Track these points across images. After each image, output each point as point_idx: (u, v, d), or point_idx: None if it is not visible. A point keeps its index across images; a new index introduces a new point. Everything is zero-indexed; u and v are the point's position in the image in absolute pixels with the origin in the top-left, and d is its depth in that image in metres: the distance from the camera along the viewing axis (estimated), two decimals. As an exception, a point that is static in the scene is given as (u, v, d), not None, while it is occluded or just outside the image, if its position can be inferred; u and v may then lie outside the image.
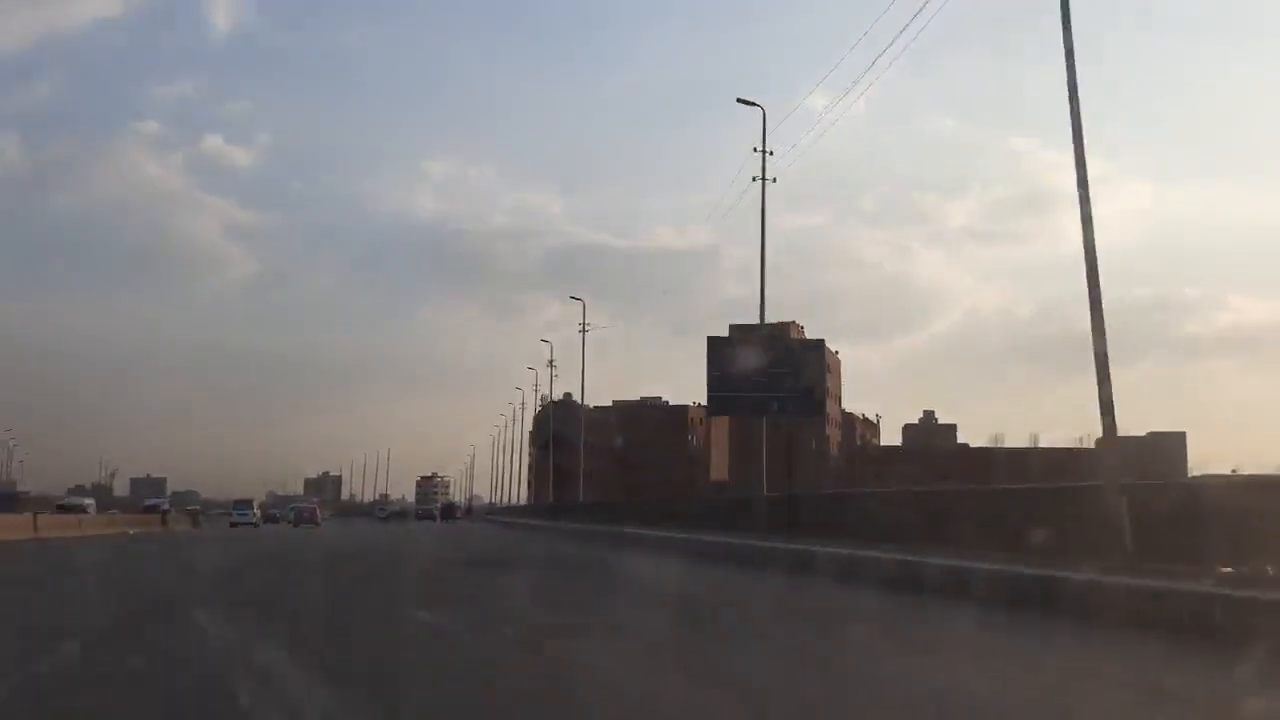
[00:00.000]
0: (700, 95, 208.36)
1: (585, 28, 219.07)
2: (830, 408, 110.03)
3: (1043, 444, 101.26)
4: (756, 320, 31.26)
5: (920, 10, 20.48)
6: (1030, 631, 9.60)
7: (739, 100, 31.77)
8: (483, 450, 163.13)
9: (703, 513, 31.02)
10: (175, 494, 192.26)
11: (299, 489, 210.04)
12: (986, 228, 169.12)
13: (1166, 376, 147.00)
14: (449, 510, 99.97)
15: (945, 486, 27.95)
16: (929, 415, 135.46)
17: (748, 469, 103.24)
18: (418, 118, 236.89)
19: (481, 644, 8.39)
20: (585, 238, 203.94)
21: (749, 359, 25.90)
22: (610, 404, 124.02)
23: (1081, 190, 14.42)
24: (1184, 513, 11.75)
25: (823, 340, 25.76)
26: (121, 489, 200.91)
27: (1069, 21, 14.75)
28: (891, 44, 30.06)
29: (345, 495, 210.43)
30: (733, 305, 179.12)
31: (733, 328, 27.36)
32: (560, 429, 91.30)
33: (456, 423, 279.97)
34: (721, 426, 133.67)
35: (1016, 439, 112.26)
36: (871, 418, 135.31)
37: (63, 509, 49.15)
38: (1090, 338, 14.59)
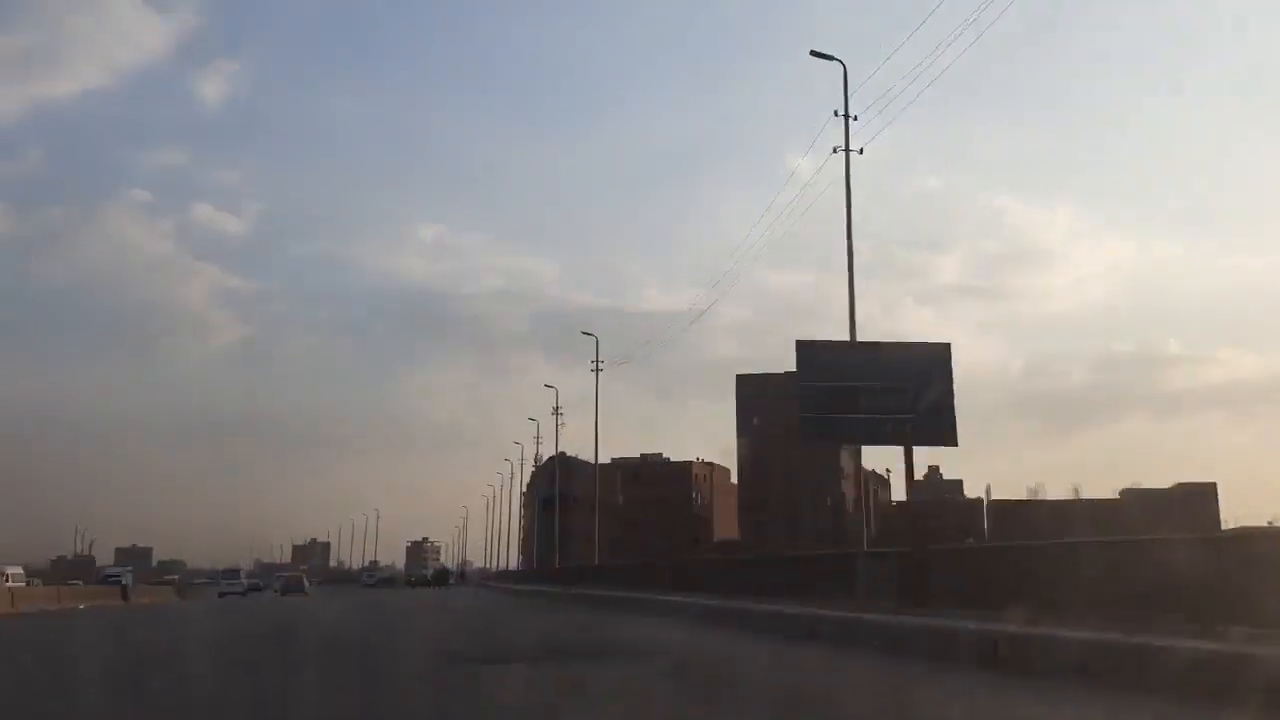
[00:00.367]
0: (689, 159, 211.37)
1: (573, 94, 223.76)
2: (844, 460, 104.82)
3: (1052, 496, 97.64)
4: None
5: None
6: None
7: (813, 53, 28.86)
8: (474, 514, 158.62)
9: (752, 576, 25.37)
10: (161, 563, 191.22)
11: (287, 556, 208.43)
12: (974, 284, 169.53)
13: (1153, 431, 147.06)
14: (442, 576, 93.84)
15: (1084, 539, 22.23)
16: (934, 470, 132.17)
17: (761, 526, 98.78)
18: (407, 183, 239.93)
19: None
20: (575, 300, 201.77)
21: (854, 369, 18.86)
22: (609, 461, 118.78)
23: None
24: None
25: (949, 344, 19.18)
26: (105, 558, 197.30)
27: None
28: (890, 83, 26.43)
29: (334, 561, 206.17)
30: (725, 364, 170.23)
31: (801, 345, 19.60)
32: (561, 486, 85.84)
33: (446, 487, 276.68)
34: (726, 482, 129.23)
35: (1013, 493, 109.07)
36: (881, 472, 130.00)
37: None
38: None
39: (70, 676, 12.24)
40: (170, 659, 15.36)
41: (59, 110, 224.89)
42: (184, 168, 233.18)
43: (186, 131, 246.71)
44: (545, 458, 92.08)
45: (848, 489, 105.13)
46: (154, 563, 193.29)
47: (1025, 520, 72.31)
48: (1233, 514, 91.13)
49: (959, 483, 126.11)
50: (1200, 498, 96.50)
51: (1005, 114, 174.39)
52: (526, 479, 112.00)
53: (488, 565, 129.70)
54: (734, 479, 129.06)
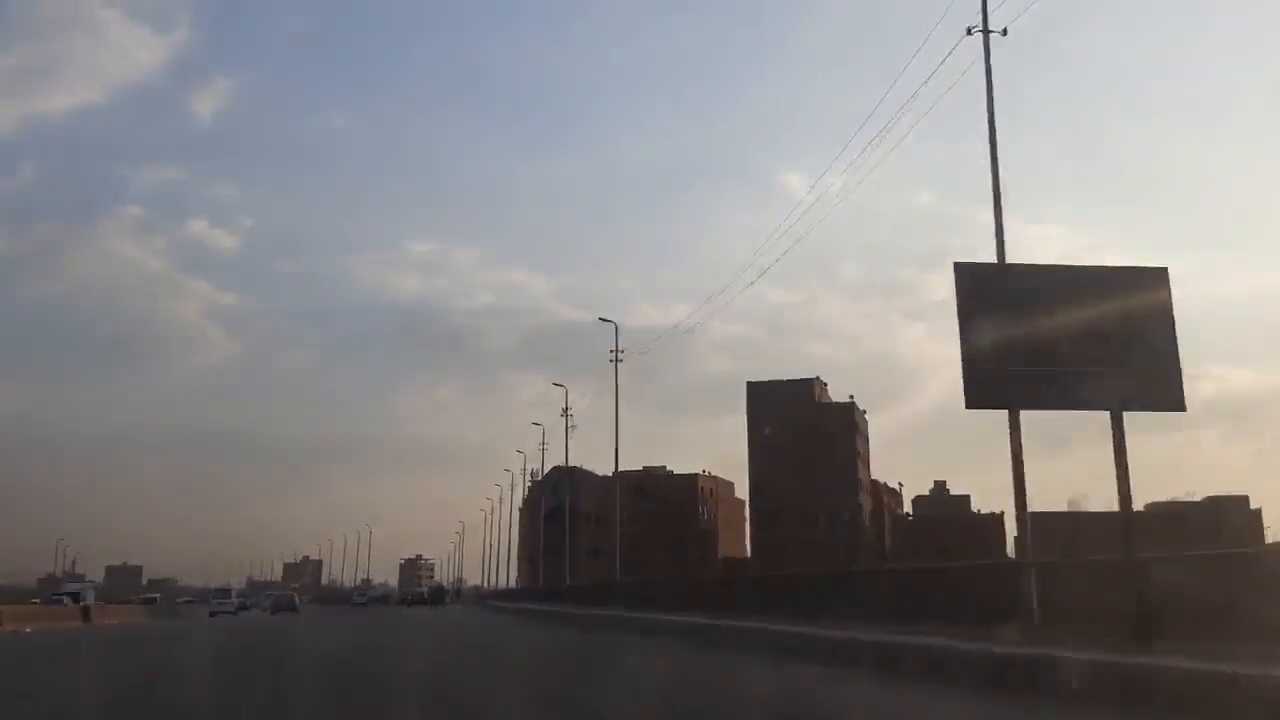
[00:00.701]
0: (681, 175, 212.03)
1: (565, 110, 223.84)
2: (860, 473, 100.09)
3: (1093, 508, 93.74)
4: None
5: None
6: None
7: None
8: (468, 531, 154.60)
9: (817, 592, 20.66)
10: (151, 581, 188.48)
11: (278, 574, 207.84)
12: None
13: (1146, 445, 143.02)
14: (438, 594, 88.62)
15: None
16: (940, 485, 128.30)
17: (775, 541, 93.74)
18: (400, 199, 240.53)
19: None
20: (567, 316, 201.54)
21: (1045, 304, 12.44)
22: (610, 474, 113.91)
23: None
24: None
25: (1165, 269, 13.03)
26: (96, 576, 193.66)
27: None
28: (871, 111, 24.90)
29: (326, 579, 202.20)
30: (718, 378, 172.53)
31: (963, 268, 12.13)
32: (563, 502, 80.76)
33: (440, 504, 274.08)
34: (730, 495, 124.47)
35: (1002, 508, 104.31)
36: (894, 485, 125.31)
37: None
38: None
39: None
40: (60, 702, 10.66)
41: (52, 127, 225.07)
42: (177, 184, 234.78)
43: (179, 148, 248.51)
44: (547, 469, 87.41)
45: (864, 501, 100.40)
46: (144, 580, 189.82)
47: (1074, 533, 67.45)
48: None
49: (967, 498, 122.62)
50: (1234, 512, 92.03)
51: (999, 132, 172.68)
52: (523, 493, 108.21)
53: (485, 583, 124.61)
54: (738, 492, 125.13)
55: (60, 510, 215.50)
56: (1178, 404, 12.96)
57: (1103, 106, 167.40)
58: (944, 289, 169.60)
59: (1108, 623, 10.96)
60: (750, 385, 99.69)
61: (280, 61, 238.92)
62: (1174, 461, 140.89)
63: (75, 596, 47.18)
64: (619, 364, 44.56)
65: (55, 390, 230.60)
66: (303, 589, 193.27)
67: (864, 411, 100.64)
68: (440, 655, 18.93)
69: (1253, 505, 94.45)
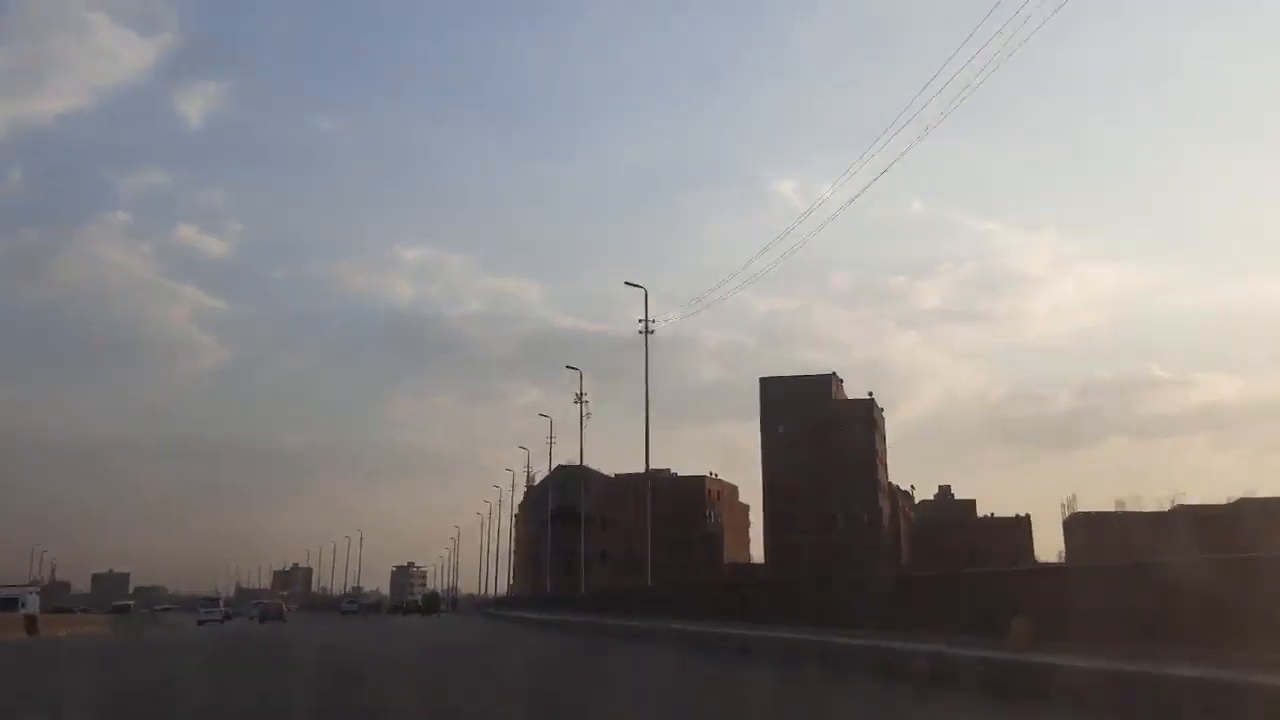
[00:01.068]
0: (675, 181, 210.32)
1: (558, 116, 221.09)
2: (880, 474, 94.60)
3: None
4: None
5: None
6: None
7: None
8: (462, 538, 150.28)
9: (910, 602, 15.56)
10: (139, 589, 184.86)
11: (268, 582, 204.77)
12: (958, 308, 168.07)
13: (1136, 453, 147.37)
14: (432, 602, 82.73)
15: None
16: (945, 490, 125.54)
17: (790, 545, 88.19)
18: (391, 205, 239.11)
19: None
20: (561, 323, 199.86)
21: None
22: (613, 477, 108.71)
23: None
24: None
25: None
26: (82, 584, 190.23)
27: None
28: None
29: (316, 587, 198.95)
30: (711, 385, 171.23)
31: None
32: (569, 502, 75.11)
33: (432, 512, 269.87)
34: (734, 499, 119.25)
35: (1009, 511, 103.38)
36: (905, 488, 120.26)
37: None
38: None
39: None
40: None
41: (39, 130, 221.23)
42: (165, 189, 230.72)
43: (168, 152, 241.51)
44: (552, 468, 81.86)
45: (883, 503, 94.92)
46: (132, 588, 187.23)
47: (1125, 535, 62.28)
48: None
49: (972, 502, 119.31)
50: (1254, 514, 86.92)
51: (990, 140, 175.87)
52: (519, 499, 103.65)
53: (481, 590, 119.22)
54: (741, 497, 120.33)
55: (46, 518, 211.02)
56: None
57: (1093, 114, 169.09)
58: (936, 297, 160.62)
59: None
60: (764, 381, 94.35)
61: (270, 64, 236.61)
62: (1162, 466, 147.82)
63: (10, 604, 40.94)
64: (649, 335, 39.18)
65: (43, 396, 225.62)
66: (292, 597, 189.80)
67: (881, 410, 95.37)
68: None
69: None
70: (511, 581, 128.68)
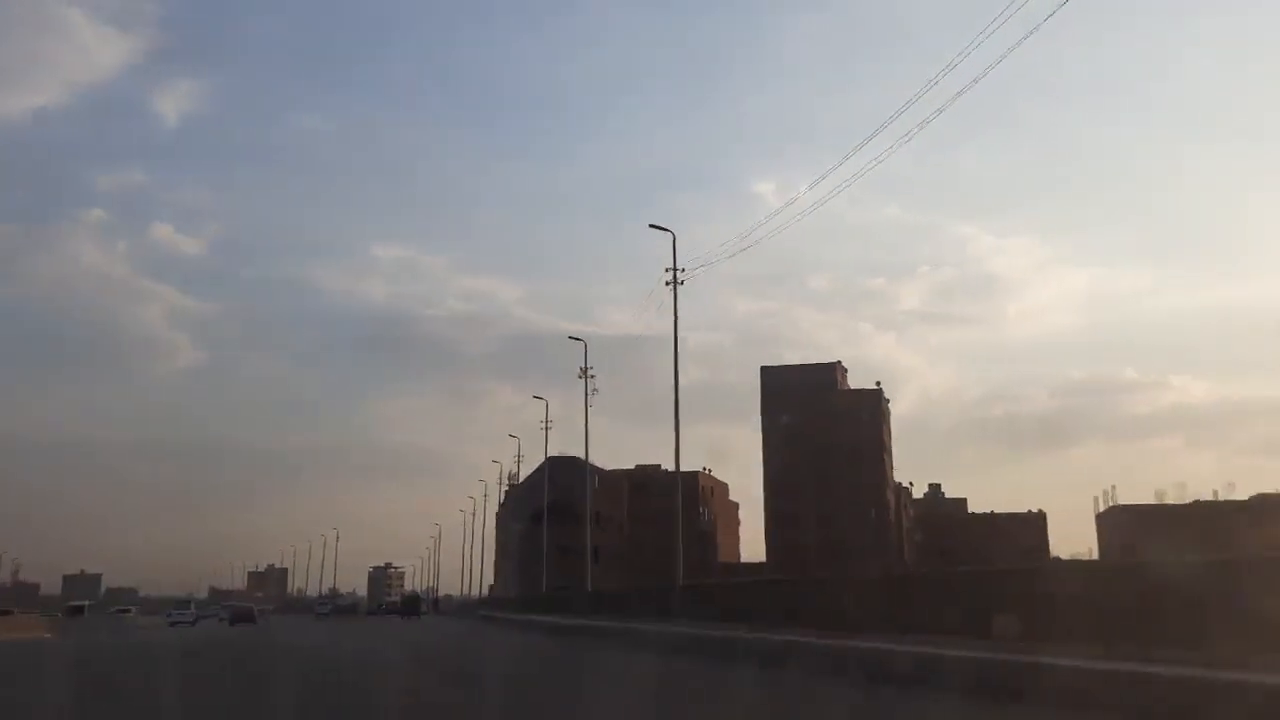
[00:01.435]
0: (653, 182, 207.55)
1: (538, 116, 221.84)
2: (878, 468, 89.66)
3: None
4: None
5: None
6: None
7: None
8: (440, 539, 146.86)
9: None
10: (110, 590, 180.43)
11: (243, 583, 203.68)
12: (935, 310, 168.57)
13: (1110, 454, 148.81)
14: (413, 603, 77.07)
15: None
16: (935, 489, 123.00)
17: (792, 542, 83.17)
18: (369, 204, 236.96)
19: None
20: (540, 324, 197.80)
21: None
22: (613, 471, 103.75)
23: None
24: None
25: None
26: (52, 586, 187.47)
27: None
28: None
29: (293, 588, 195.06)
30: (688, 387, 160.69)
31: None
32: (563, 496, 69.62)
33: (411, 513, 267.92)
34: (724, 497, 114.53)
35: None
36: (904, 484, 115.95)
37: None
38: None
39: None
40: None
41: (13, 127, 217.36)
42: (141, 187, 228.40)
43: (144, 150, 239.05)
44: (532, 470, 76.66)
45: (891, 499, 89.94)
46: (103, 589, 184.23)
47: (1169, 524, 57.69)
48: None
49: (963, 501, 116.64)
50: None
51: (969, 145, 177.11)
52: (512, 496, 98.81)
53: (464, 591, 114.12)
54: (730, 495, 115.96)
55: (17, 518, 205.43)
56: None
57: (1070, 121, 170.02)
58: (914, 299, 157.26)
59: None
60: (765, 370, 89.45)
61: (249, 63, 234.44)
62: (1137, 465, 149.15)
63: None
64: (678, 286, 34.27)
65: (13, 396, 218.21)
66: (267, 599, 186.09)
67: (888, 401, 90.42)
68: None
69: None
70: (493, 582, 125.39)
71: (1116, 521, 74.24)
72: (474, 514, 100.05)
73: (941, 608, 14.15)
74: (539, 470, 78.00)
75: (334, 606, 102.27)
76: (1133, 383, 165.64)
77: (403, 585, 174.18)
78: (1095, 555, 72.36)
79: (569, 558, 64.83)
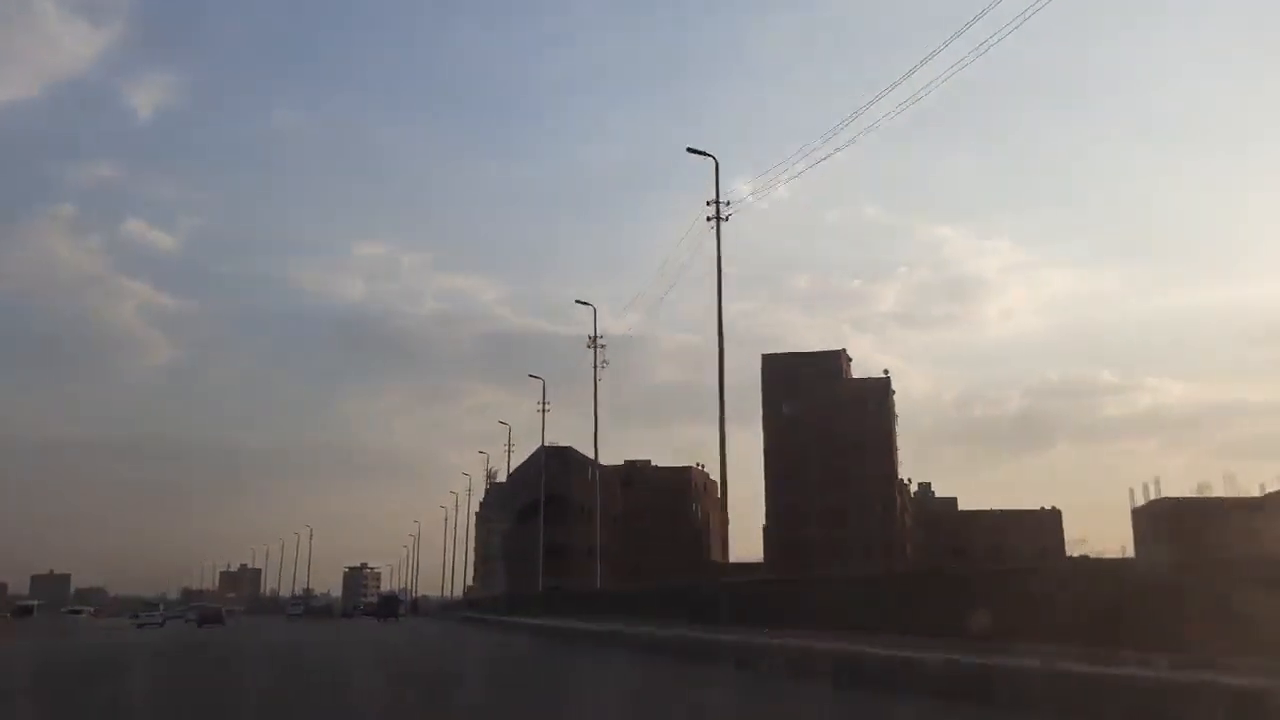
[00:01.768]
0: (630, 183, 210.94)
1: (517, 115, 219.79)
2: (886, 462, 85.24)
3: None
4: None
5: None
6: None
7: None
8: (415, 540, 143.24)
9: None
10: (79, 591, 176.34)
11: (215, 584, 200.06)
12: (912, 312, 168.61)
13: (1084, 456, 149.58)
14: (389, 604, 72.13)
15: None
16: (925, 487, 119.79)
17: (797, 540, 78.41)
18: (346, 201, 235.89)
19: None
20: (517, 323, 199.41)
21: None
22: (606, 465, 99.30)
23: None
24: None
25: None
26: (20, 586, 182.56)
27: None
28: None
29: (267, 589, 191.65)
30: (668, 389, 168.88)
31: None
32: (557, 489, 64.45)
33: (387, 513, 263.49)
34: (714, 495, 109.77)
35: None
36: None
37: None
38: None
39: None
40: None
41: None
42: (114, 182, 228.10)
43: (118, 145, 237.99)
44: (531, 452, 71.78)
45: (898, 494, 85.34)
46: (73, 590, 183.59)
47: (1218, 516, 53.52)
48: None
49: (953, 500, 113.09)
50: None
51: (948, 147, 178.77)
52: (505, 491, 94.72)
53: (446, 593, 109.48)
54: (720, 493, 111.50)
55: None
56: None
57: (1047, 125, 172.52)
58: (891, 300, 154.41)
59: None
60: (766, 358, 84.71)
61: (224, 57, 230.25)
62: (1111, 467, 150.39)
63: None
64: (720, 222, 29.62)
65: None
66: (239, 599, 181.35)
67: (894, 392, 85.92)
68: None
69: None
70: (472, 583, 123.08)
71: (1155, 516, 69.55)
72: (458, 507, 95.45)
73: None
74: (529, 462, 73.10)
75: (306, 607, 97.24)
76: (1108, 385, 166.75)
77: (379, 586, 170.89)
78: (1130, 553, 68.30)
79: (562, 556, 59.89)
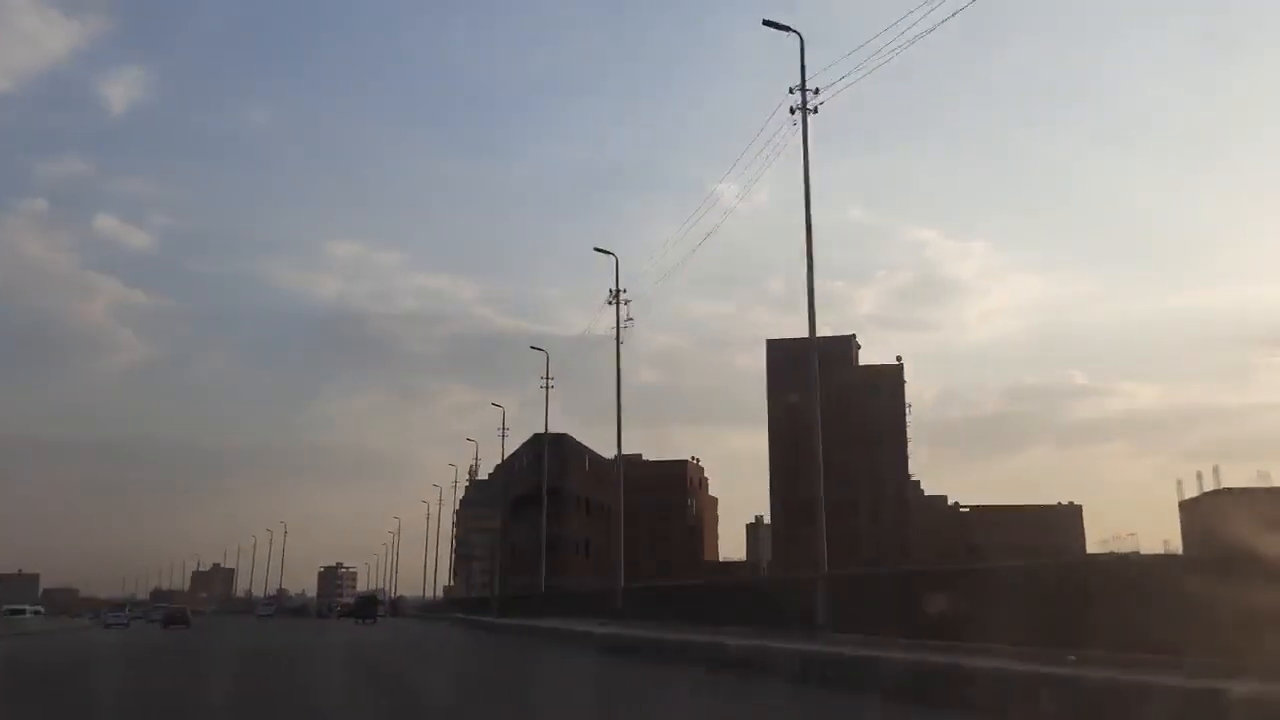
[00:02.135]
0: (608, 182, 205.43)
1: (495, 114, 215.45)
2: (897, 454, 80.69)
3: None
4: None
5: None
6: None
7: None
8: (392, 540, 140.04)
9: None
10: (48, 591, 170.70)
11: (187, 584, 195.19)
12: (892, 315, 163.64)
13: (1058, 459, 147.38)
14: (368, 604, 67.09)
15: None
16: (915, 485, 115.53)
17: (803, 536, 73.42)
18: (322, 198, 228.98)
19: None
20: (495, 323, 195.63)
21: None
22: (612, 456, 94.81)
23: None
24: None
25: None
26: None
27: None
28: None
29: (241, 589, 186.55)
30: (646, 391, 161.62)
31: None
32: (551, 480, 59.08)
33: (363, 513, 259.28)
34: (708, 494, 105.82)
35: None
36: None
37: None
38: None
39: None
40: None
41: None
42: (85, 177, 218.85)
43: (90, 139, 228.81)
44: (525, 440, 66.79)
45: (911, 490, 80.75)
46: (40, 591, 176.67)
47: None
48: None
49: (943, 498, 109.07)
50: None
51: (929, 151, 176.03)
52: (458, 501, 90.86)
53: (428, 593, 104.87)
54: (712, 489, 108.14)
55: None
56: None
57: (1024, 128, 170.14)
58: (872, 302, 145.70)
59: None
60: (771, 344, 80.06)
61: (198, 51, 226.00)
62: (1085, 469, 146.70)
63: None
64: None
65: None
66: (211, 599, 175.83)
67: (904, 382, 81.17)
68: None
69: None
70: (450, 582, 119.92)
71: (1212, 508, 64.82)
72: (443, 501, 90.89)
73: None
74: (521, 451, 67.94)
75: (279, 607, 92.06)
76: (1080, 389, 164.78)
77: (355, 586, 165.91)
78: (1179, 548, 63.93)
79: (557, 551, 54.88)
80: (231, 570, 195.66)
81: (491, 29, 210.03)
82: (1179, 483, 79.08)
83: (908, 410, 77.92)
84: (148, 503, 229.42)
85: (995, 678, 9.07)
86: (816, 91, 22.24)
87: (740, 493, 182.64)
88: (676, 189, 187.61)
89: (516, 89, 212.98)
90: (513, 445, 61.13)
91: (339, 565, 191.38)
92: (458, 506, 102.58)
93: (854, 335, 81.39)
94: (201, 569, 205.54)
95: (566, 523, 56.75)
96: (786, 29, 22.09)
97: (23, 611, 53.31)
